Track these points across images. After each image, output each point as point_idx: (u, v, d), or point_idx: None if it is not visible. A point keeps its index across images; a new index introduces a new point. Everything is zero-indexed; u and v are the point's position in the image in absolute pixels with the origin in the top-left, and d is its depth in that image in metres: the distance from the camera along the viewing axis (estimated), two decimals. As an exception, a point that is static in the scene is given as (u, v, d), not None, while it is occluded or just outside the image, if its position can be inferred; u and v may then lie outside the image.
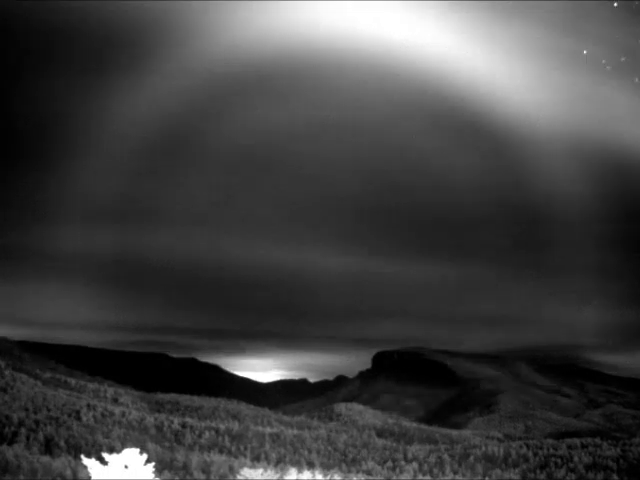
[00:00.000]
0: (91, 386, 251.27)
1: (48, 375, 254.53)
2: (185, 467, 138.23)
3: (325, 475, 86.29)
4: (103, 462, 46.18)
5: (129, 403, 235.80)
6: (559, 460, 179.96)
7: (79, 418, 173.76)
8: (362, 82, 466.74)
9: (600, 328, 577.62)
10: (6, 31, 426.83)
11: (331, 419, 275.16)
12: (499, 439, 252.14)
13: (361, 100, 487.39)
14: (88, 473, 46.61)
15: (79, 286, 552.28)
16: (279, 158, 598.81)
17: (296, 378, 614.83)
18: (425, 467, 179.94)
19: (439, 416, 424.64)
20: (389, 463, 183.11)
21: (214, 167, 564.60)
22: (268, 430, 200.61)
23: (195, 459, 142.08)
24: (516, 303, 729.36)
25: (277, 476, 56.90)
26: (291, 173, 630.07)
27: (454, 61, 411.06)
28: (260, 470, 55.75)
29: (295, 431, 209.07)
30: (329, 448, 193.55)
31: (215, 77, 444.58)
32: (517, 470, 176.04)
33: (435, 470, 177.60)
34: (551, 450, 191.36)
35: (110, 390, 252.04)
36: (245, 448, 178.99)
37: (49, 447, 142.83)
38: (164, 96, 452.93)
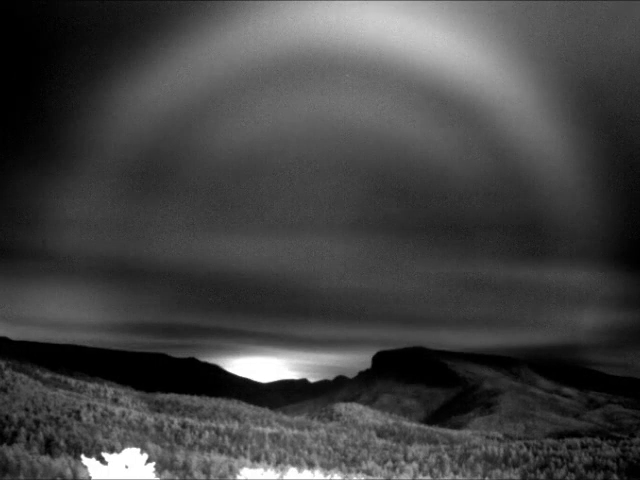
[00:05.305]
0: (91, 386, 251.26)
1: (48, 375, 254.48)
2: (185, 467, 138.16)
3: (325, 475, 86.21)
4: (103, 462, 46.16)
5: (129, 403, 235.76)
6: (559, 460, 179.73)
7: (79, 418, 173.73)
8: (361, 82, 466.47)
9: (600, 328, 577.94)
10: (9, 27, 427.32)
11: (331, 419, 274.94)
12: (499, 439, 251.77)
13: (362, 99, 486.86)
14: (88, 473, 46.59)
15: (79, 286, 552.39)
16: (279, 158, 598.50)
17: (296, 378, 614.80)
18: (425, 467, 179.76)
19: (439, 416, 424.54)
20: (389, 463, 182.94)
21: (214, 167, 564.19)
22: (268, 430, 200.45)
23: (195, 459, 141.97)
24: (516, 303, 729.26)
25: (277, 476, 56.80)
26: (292, 173, 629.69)
27: (455, 59, 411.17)
28: (260, 470, 55.62)
29: (295, 431, 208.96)
30: (329, 448, 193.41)
31: (214, 78, 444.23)
32: (517, 470, 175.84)
33: (435, 470, 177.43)
34: (551, 450, 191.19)
35: (110, 390, 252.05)
36: (245, 448, 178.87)
37: (49, 447, 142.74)
38: (165, 98, 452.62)
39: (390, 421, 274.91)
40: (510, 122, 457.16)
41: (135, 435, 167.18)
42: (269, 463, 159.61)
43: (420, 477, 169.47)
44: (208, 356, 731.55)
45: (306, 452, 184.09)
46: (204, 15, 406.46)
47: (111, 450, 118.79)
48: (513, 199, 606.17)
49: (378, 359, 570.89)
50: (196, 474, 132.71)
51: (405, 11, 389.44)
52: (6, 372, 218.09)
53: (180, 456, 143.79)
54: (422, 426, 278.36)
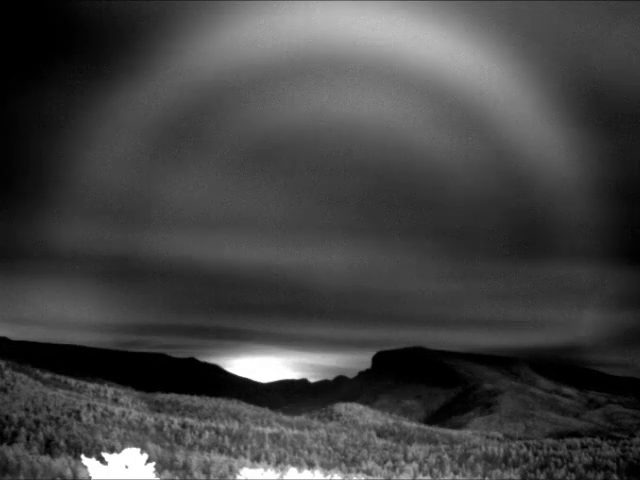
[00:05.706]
0: (91, 386, 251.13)
1: (48, 375, 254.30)
2: (185, 467, 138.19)
3: (325, 475, 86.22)
4: (103, 462, 46.11)
5: (129, 403, 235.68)
6: (559, 460, 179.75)
7: (79, 418, 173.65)
8: (362, 81, 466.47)
9: (600, 328, 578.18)
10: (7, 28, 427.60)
11: (331, 419, 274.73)
12: (499, 439, 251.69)
13: (363, 98, 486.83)
14: (88, 473, 46.55)
15: (80, 286, 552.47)
16: (280, 158, 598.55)
17: (296, 378, 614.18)
18: (425, 467, 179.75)
19: (439, 416, 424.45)
20: (389, 463, 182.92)
21: (214, 167, 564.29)
22: (268, 430, 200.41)
23: (195, 459, 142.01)
24: (516, 303, 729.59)
25: (277, 476, 56.79)
26: (293, 173, 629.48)
27: (456, 60, 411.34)
28: (260, 470, 55.60)
29: (295, 431, 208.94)
30: (329, 448, 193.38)
31: (217, 76, 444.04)
32: (517, 470, 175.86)
33: (435, 470, 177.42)
34: (551, 450, 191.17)
35: (110, 390, 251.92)
36: (245, 448, 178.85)
37: (49, 447, 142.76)
38: (168, 95, 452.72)
39: (390, 421, 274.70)
40: (510, 121, 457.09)
41: (135, 435, 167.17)
42: (269, 463, 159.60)
43: (420, 477, 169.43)
44: (208, 356, 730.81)
45: (306, 452, 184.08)
46: (214, 14, 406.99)
47: (111, 450, 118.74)
48: (513, 199, 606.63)
49: (378, 359, 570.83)
50: (196, 474, 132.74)
51: (409, 12, 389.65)
52: (6, 372, 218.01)
53: (180, 456, 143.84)
54: (422, 426, 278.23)
